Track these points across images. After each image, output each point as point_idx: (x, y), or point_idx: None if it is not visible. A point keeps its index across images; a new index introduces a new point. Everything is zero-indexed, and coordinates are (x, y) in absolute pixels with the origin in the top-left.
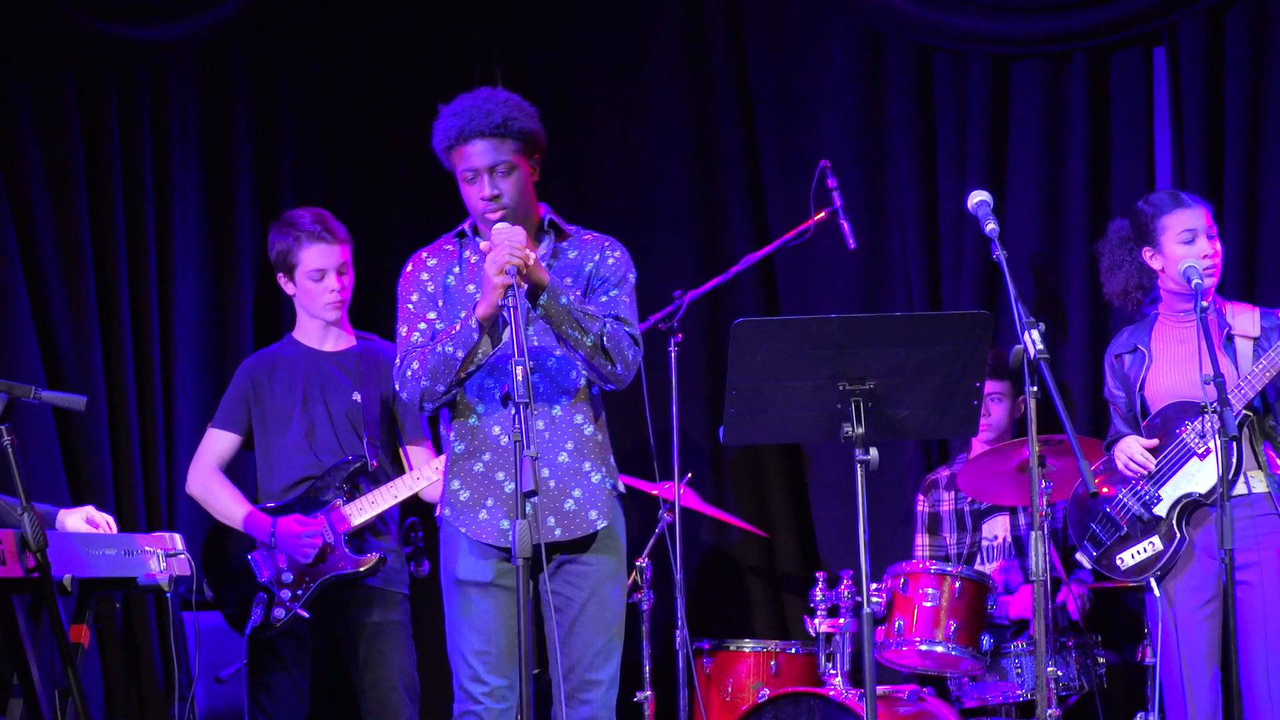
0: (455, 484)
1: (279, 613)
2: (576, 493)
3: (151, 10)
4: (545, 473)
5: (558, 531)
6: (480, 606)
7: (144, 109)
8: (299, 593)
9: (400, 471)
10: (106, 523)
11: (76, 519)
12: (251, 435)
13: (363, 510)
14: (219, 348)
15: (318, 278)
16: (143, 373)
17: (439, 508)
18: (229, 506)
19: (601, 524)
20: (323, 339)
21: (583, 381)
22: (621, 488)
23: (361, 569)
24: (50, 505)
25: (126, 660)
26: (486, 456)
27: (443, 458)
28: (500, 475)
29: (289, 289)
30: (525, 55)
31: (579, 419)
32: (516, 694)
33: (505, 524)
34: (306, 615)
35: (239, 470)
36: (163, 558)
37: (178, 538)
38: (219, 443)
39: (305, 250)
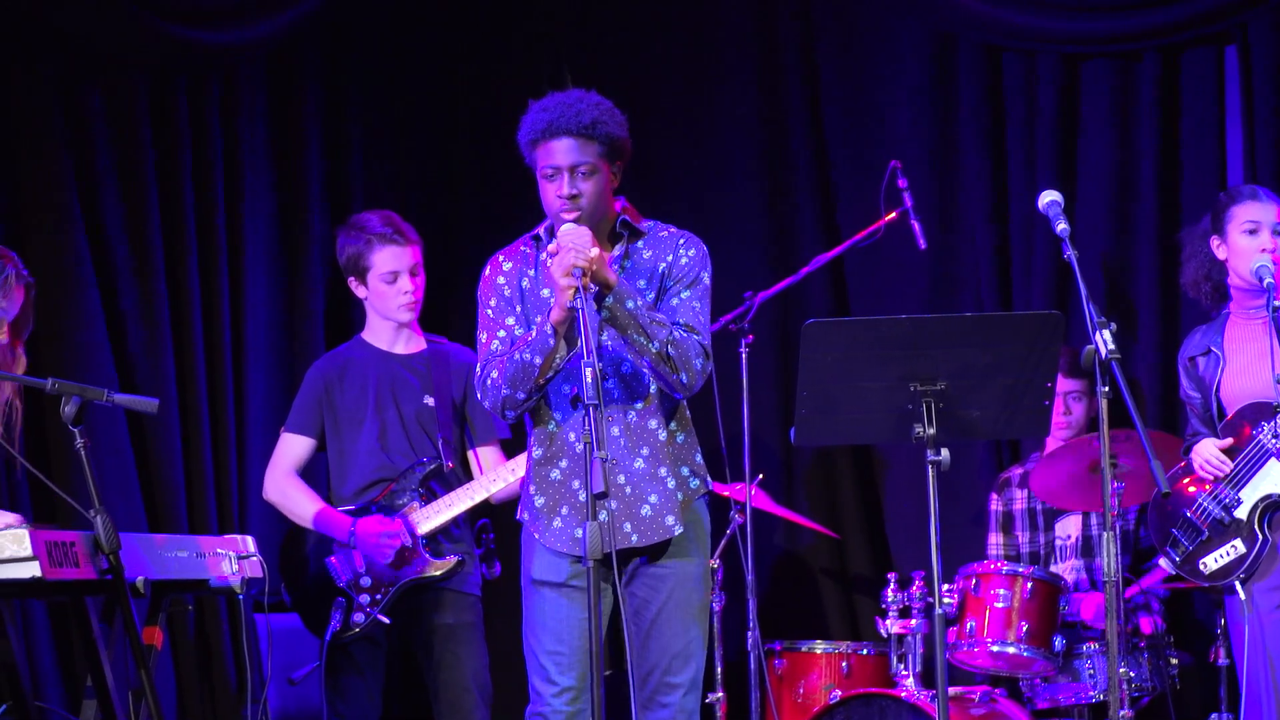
0: (533, 489)
1: (358, 617)
2: (652, 498)
3: (223, 14)
4: (621, 479)
5: (634, 538)
6: (554, 607)
7: (215, 112)
8: (378, 597)
9: (468, 475)
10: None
11: None
12: (324, 438)
13: (440, 512)
14: (290, 349)
15: (390, 280)
16: (214, 375)
17: (520, 511)
18: (307, 509)
19: (678, 530)
20: (393, 341)
21: (654, 386)
22: (709, 486)
23: (440, 572)
24: None
25: (199, 662)
26: (563, 463)
27: (515, 460)
28: (575, 483)
29: (360, 292)
30: (595, 56)
31: (653, 424)
32: (588, 695)
33: (579, 533)
34: (388, 621)
35: (311, 474)
36: (235, 560)
37: (250, 540)
38: (294, 447)
39: (377, 253)
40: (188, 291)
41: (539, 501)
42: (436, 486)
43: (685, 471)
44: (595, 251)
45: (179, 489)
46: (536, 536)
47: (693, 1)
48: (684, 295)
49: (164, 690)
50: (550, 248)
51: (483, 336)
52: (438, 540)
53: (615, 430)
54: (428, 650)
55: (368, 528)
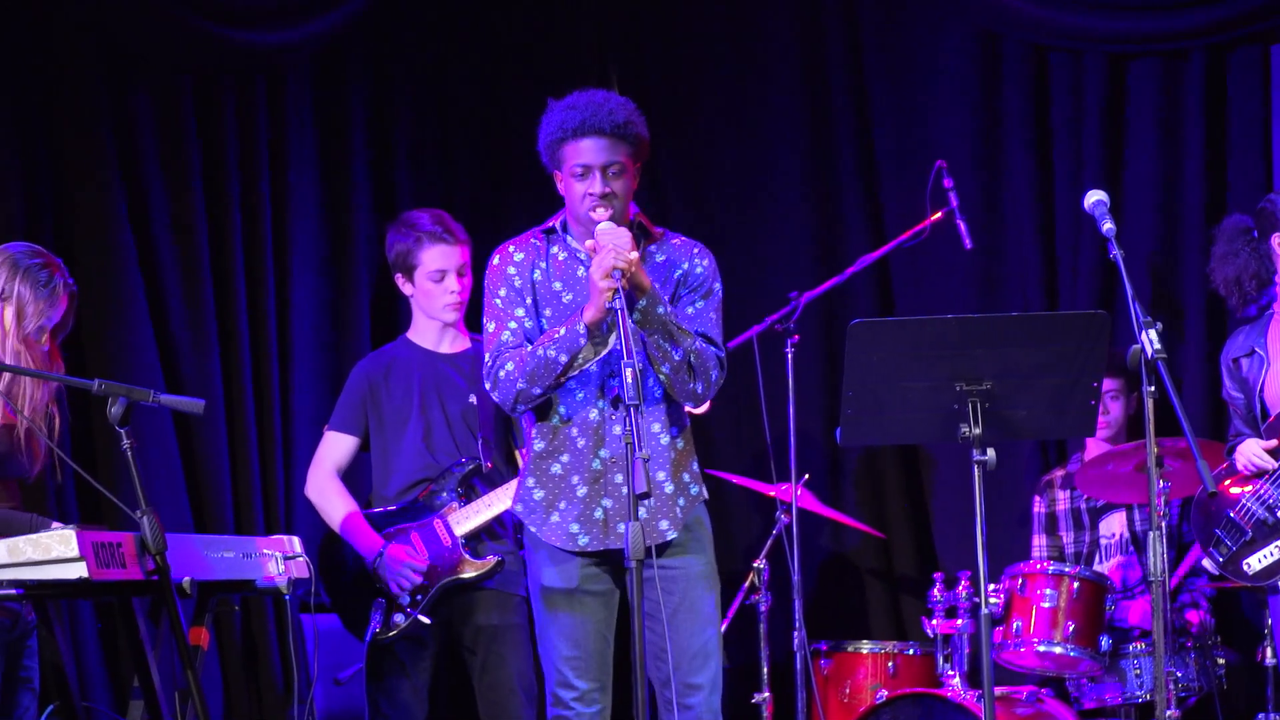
0: (531, 481)
1: (398, 618)
2: (650, 501)
3: (269, 15)
4: (619, 478)
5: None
6: (566, 613)
7: (260, 113)
8: (419, 598)
9: (514, 473)
10: None
11: None
12: (368, 438)
13: (479, 512)
14: (336, 349)
15: (438, 278)
16: (260, 375)
17: (514, 502)
18: (339, 512)
19: (671, 534)
20: (439, 340)
21: (659, 390)
22: (706, 494)
23: (479, 573)
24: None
25: (245, 662)
26: (564, 458)
27: None
28: (575, 479)
29: (407, 290)
30: (641, 57)
31: (656, 428)
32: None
33: (575, 528)
34: (429, 621)
35: (353, 473)
36: (281, 560)
37: (296, 540)
38: (337, 446)
39: (426, 251)
40: (234, 291)
41: (538, 495)
42: (479, 485)
43: (685, 478)
44: (635, 255)
45: (225, 489)
46: (533, 529)
47: (738, 1)
48: (699, 305)
49: (210, 690)
50: (588, 245)
51: (491, 326)
52: (479, 540)
53: (617, 429)
54: (473, 652)
55: (396, 554)
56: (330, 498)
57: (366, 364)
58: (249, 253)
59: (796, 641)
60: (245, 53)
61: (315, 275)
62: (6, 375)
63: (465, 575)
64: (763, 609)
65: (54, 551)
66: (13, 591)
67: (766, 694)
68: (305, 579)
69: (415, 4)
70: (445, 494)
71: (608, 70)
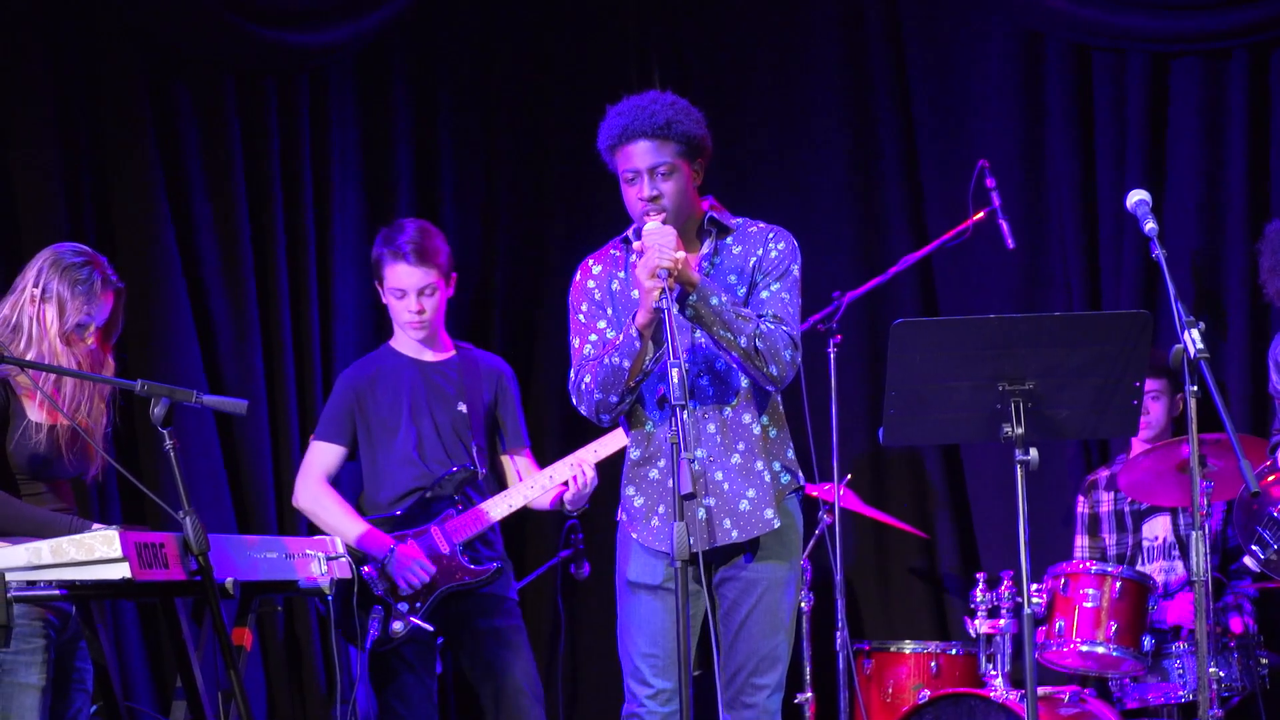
0: (630, 490)
1: (397, 625)
2: (751, 493)
3: (311, 15)
4: (719, 475)
5: (735, 533)
6: (649, 609)
7: (303, 112)
8: (418, 605)
9: (500, 481)
10: None
11: None
12: (355, 447)
13: (477, 520)
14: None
15: (399, 296)
16: (303, 375)
17: (619, 512)
18: (341, 521)
19: (777, 522)
20: (420, 349)
21: (747, 382)
22: (800, 484)
23: (479, 579)
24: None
25: (288, 663)
26: (661, 463)
27: (552, 467)
28: (672, 483)
29: (382, 297)
30: (683, 56)
31: (747, 418)
32: (684, 696)
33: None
34: (430, 628)
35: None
36: (323, 561)
37: (338, 541)
38: (325, 455)
39: (388, 268)
40: (276, 292)
41: (638, 501)
42: (473, 493)
43: (778, 466)
44: (681, 253)
45: (268, 490)
46: (634, 536)
47: (780, 1)
48: (774, 288)
49: (253, 691)
50: (636, 247)
51: (575, 342)
52: (475, 547)
53: (711, 427)
54: (475, 656)
55: (406, 551)
56: (326, 505)
57: (352, 372)
58: (291, 253)
59: (839, 641)
60: (288, 53)
61: (358, 275)
62: (51, 375)
63: (464, 581)
64: (805, 609)
65: (97, 552)
66: (56, 592)
67: (809, 694)
68: (348, 580)
69: (458, 3)
70: (442, 501)
71: (650, 70)
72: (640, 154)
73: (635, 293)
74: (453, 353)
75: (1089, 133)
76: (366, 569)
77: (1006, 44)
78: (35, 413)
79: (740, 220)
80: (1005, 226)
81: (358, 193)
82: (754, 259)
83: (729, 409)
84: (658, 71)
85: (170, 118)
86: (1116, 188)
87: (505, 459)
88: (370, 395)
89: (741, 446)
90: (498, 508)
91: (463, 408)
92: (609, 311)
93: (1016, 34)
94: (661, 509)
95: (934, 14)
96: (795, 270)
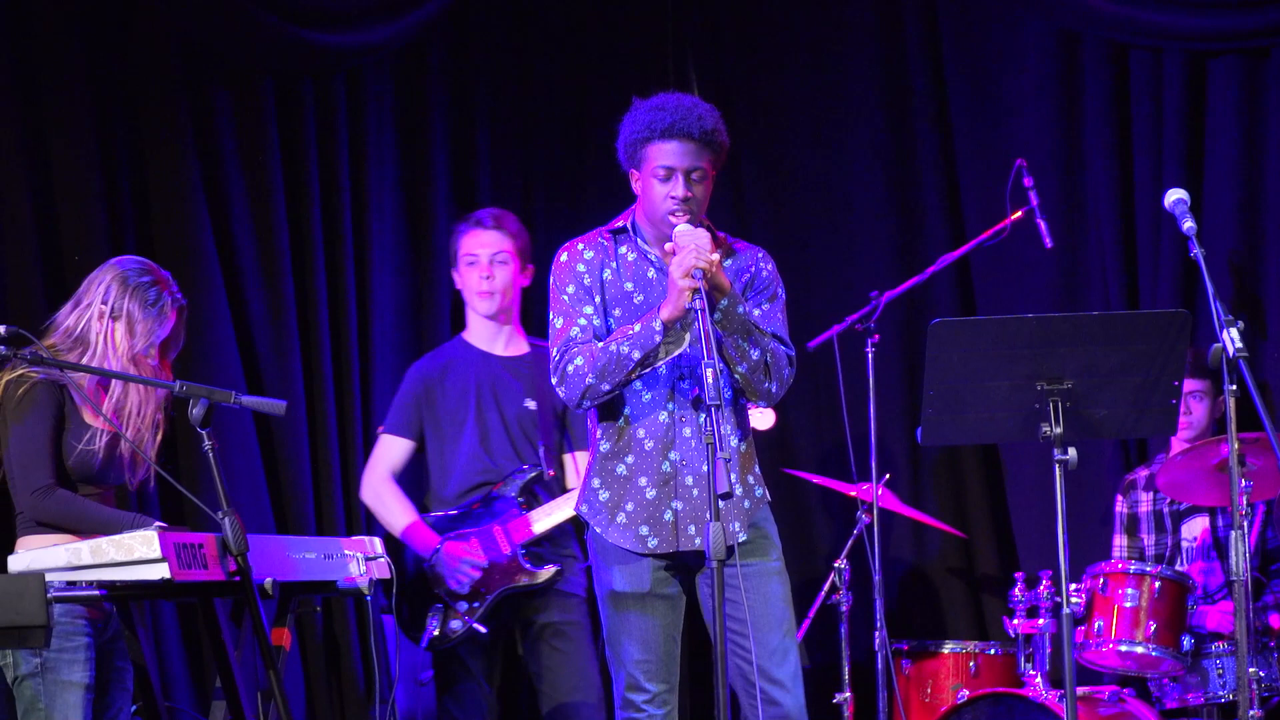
0: (596, 482)
1: (455, 625)
2: (721, 504)
3: (347, 17)
4: (689, 480)
5: (697, 540)
6: (637, 616)
7: (341, 113)
8: (475, 605)
9: (563, 481)
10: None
11: None
12: (424, 440)
13: (540, 521)
14: (417, 350)
15: (470, 262)
16: (341, 376)
17: (579, 503)
18: (397, 518)
19: (741, 537)
20: (493, 341)
21: (728, 392)
22: (768, 496)
23: (537, 582)
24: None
25: (327, 663)
26: (630, 459)
27: None
28: (642, 481)
29: (457, 282)
30: (720, 56)
31: (725, 429)
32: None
33: (644, 530)
34: (484, 630)
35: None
36: (362, 561)
37: (377, 541)
38: (392, 449)
39: (463, 237)
40: (315, 292)
41: (603, 495)
42: (540, 492)
43: (750, 480)
44: (716, 256)
45: (307, 490)
46: (598, 530)
47: (818, 2)
48: (765, 307)
49: (292, 691)
50: (668, 247)
51: (559, 322)
52: (541, 545)
53: (687, 431)
54: (534, 653)
55: (453, 551)
56: (387, 501)
57: (422, 365)
58: (329, 253)
59: (878, 641)
60: (325, 54)
61: (395, 275)
62: (117, 390)
63: (521, 584)
64: (844, 609)
65: (136, 552)
66: (96, 592)
67: (848, 694)
68: (387, 580)
69: (494, 4)
70: (506, 500)
71: (687, 71)
72: (681, 153)
73: (629, 285)
74: (527, 350)
75: (1126, 132)
76: (428, 566)
77: (1043, 43)
78: (92, 418)
79: (724, 235)
80: (1043, 226)
81: (395, 193)
82: (747, 275)
83: (704, 418)
84: (694, 72)
85: (208, 119)
86: (1154, 187)
87: (568, 457)
88: (439, 388)
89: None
90: (561, 509)
91: (531, 404)
92: (596, 299)
93: (1053, 33)
94: (630, 506)
95: (971, 13)
96: (782, 293)
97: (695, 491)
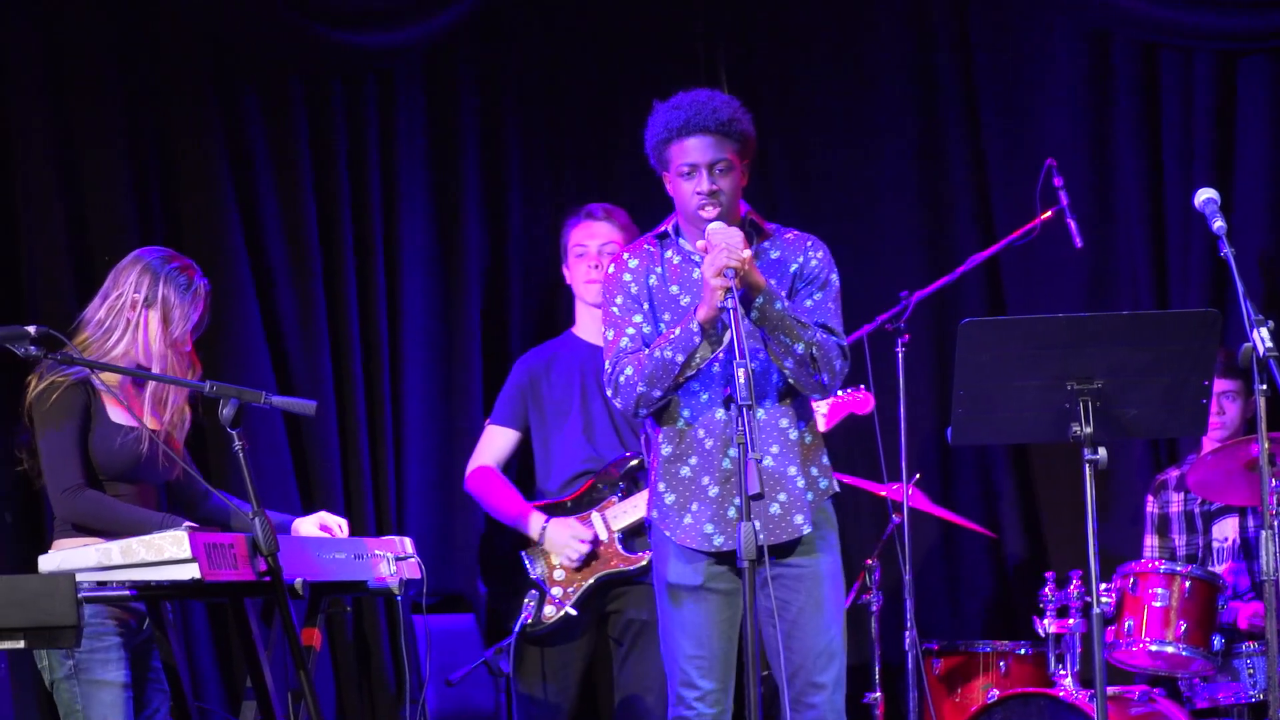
0: (662, 486)
1: (549, 610)
2: (781, 497)
3: (378, 17)
4: None
5: (762, 536)
6: (691, 612)
7: (370, 113)
8: (570, 590)
9: None
10: (339, 525)
11: (310, 525)
12: (529, 432)
13: (638, 508)
14: (447, 351)
15: (579, 254)
16: (371, 376)
17: (649, 509)
18: (504, 503)
19: (806, 529)
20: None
21: (784, 385)
22: (836, 487)
23: (633, 568)
24: (285, 514)
25: (358, 663)
26: (693, 460)
27: None
28: (705, 480)
29: (568, 277)
30: (751, 56)
31: (784, 422)
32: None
33: (710, 528)
34: (576, 613)
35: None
36: (393, 561)
37: (408, 541)
38: (497, 439)
39: (573, 230)
40: (344, 293)
41: (669, 499)
42: (642, 480)
43: (814, 471)
44: (748, 253)
45: (336, 490)
46: (668, 534)
47: (847, 1)
48: (817, 297)
49: (323, 691)
50: (699, 245)
51: (609, 334)
52: (637, 535)
53: None
54: (619, 642)
55: (559, 529)
56: (493, 488)
57: (529, 358)
58: (359, 253)
59: (908, 641)
60: (355, 54)
61: (425, 276)
62: (152, 382)
63: (619, 569)
64: (874, 609)
65: (167, 552)
66: (126, 592)
67: (878, 693)
68: (417, 580)
69: (525, 3)
70: (608, 487)
71: (718, 69)
72: (701, 148)
73: (675, 289)
74: None
75: (1156, 131)
76: (525, 551)
77: (1073, 43)
78: (118, 414)
79: (774, 226)
80: (1073, 225)
81: (425, 194)
82: (795, 265)
83: (762, 412)
84: (724, 73)
85: (238, 120)
86: (1184, 186)
87: None
88: (545, 379)
89: (775, 449)
90: (640, 508)
91: None
92: (644, 306)
93: (1083, 33)
94: (695, 506)
95: (1001, 12)
96: (835, 280)
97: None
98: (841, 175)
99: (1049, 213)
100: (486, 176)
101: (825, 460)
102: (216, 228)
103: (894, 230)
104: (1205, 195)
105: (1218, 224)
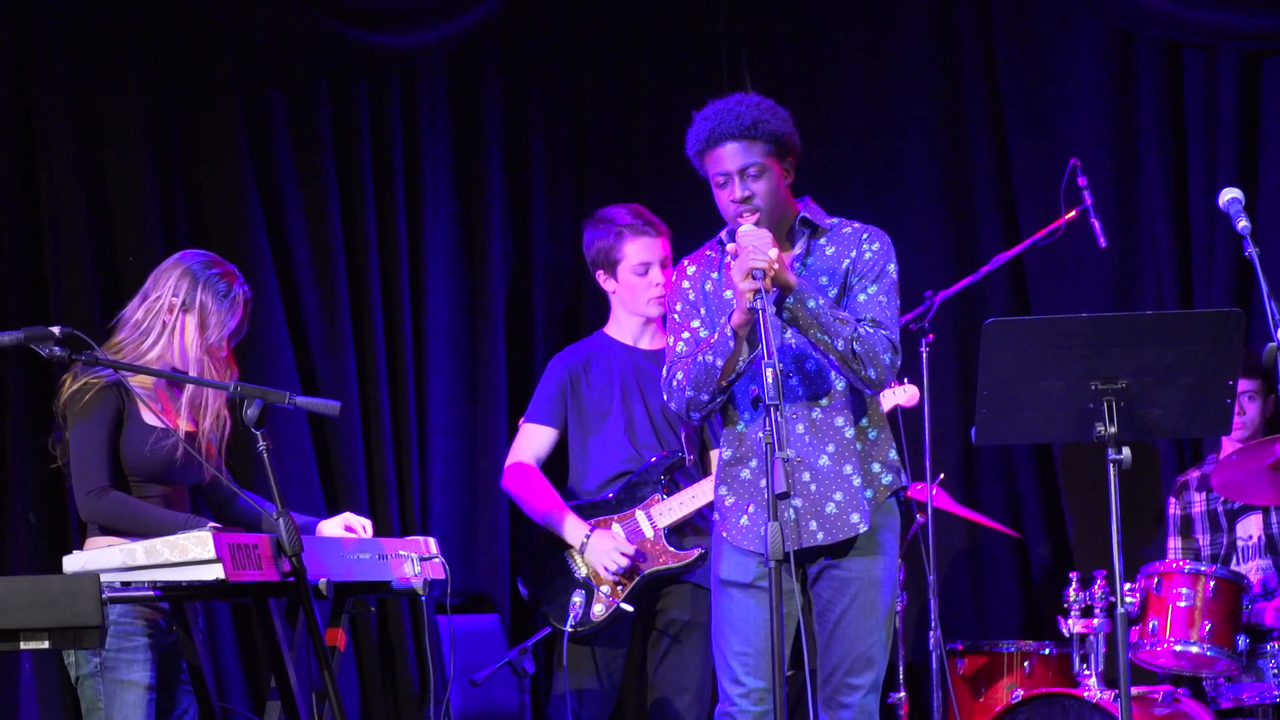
0: (723, 489)
1: (598, 609)
2: (838, 496)
3: (403, 18)
4: (806, 476)
5: (820, 535)
6: (741, 607)
7: (394, 114)
8: (620, 588)
9: (706, 471)
10: (363, 527)
11: (334, 526)
12: (566, 430)
13: (683, 505)
14: (471, 351)
15: (642, 271)
16: (395, 377)
17: (713, 511)
18: (543, 503)
19: (863, 527)
20: (638, 336)
21: (841, 383)
22: (904, 480)
23: (682, 564)
24: (309, 516)
25: (382, 664)
26: (753, 463)
27: None
28: (763, 482)
29: (609, 286)
30: (775, 57)
31: (839, 421)
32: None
33: (764, 530)
34: (630, 609)
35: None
36: (417, 561)
37: (432, 541)
38: (535, 437)
39: (629, 244)
40: (368, 293)
41: (729, 500)
42: (680, 479)
43: (876, 468)
44: (774, 253)
45: (361, 491)
46: (725, 535)
47: (871, 1)
48: (870, 290)
49: (347, 691)
50: (730, 248)
51: (669, 340)
52: (682, 532)
53: (800, 427)
54: (656, 643)
55: (603, 540)
56: (532, 487)
57: (565, 356)
58: (383, 254)
59: (932, 641)
60: (379, 54)
61: (449, 276)
62: (190, 385)
63: (669, 566)
64: (899, 609)
65: (191, 553)
66: (151, 593)
67: (902, 693)
68: (441, 580)
69: (549, 4)
70: (649, 486)
71: (741, 69)
72: (729, 156)
73: (728, 294)
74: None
75: (1180, 131)
76: (567, 553)
77: (1097, 42)
78: (151, 417)
79: (835, 220)
80: (1097, 225)
81: (449, 194)
82: (847, 260)
83: (818, 409)
84: (748, 73)
85: (263, 121)
86: (1208, 186)
87: (714, 453)
88: (583, 378)
89: (831, 448)
90: (704, 494)
91: None
92: (702, 311)
93: (1107, 32)
94: (751, 508)
95: (1024, 12)
96: (892, 271)
97: (813, 487)
98: (865, 174)
99: (1073, 212)
100: (510, 176)
101: (891, 455)
102: (241, 228)
103: (918, 230)
104: (1229, 195)
105: (1242, 224)
